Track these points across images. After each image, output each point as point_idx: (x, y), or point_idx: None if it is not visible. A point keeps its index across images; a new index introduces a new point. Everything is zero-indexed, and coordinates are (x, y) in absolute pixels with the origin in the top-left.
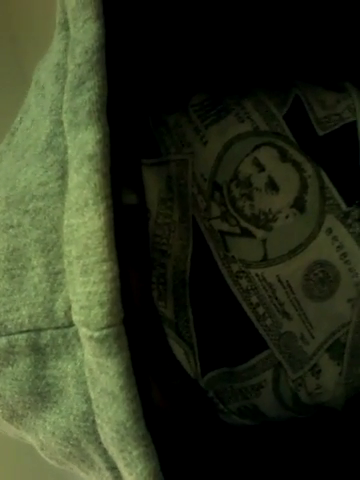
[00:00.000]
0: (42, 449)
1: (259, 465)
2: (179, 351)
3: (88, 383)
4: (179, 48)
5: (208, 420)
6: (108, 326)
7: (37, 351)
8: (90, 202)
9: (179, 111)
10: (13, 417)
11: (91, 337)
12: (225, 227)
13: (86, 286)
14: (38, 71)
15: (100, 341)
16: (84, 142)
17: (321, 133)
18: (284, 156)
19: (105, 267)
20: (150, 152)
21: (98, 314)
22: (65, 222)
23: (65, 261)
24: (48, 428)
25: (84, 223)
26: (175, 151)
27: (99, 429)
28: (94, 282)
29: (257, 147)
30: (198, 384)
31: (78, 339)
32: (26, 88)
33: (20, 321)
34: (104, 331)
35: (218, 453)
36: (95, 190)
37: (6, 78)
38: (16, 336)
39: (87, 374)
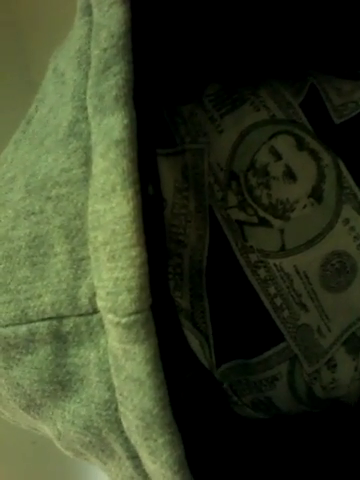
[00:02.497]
0: (59, 439)
1: (271, 458)
2: (194, 342)
3: (112, 370)
4: (193, 38)
5: (222, 412)
6: (136, 312)
7: (58, 339)
8: (118, 188)
9: (194, 101)
10: (30, 406)
11: (118, 323)
12: (242, 216)
13: (113, 272)
14: (55, 59)
15: (127, 327)
16: (110, 127)
17: (338, 121)
18: (301, 144)
19: (134, 252)
20: (165, 142)
21: (126, 300)
22: (90, 208)
23: (90, 247)
24: (67, 417)
25: (111, 208)
26: (190, 141)
27: (122, 417)
28: (122, 268)
29: (274, 135)
30: (212, 375)
31: (102, 326)
32: (32, 89)
33: (42, 308)
34: (132, 317)
35: (231, 444)
36: (123, 175)
37: (12, 79)
38: (37, 324)
39: (111, 361)
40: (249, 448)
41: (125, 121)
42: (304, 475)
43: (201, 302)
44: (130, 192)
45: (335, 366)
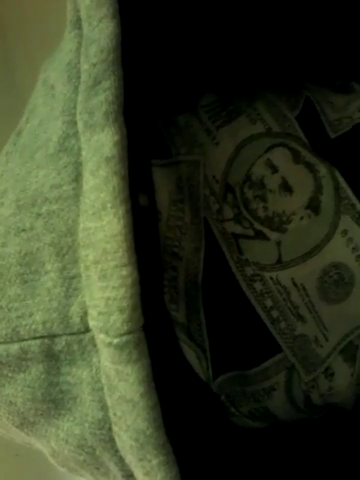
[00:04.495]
0: (53, 456)
1: (270, 467)
2: (191, 354)
3: (105, 390)
4: (188, 48)
5: (219, 423)
6: (128, 332)
7: (51, 357)
8: (108, 205)
9: (189, 111)
10: (24, 424)
11: (110, 344)
12: (238, 229)
13: (105, 291)
14: (46, 71)
15: (119, 348)
16: (100, 144)
17: (333, 135)
18: (297, 157)
19: (125, 272)
20: (160, 153)
21: (118, 320)
22: (81, 225)
23: (81, 265)
24: (61, 435)
25: (102, 227)
26: (186, 152)
27: (116, 437)
28: (113, 287)
29: (270, 148)
30: (209, 387)
31: (94, 345)
32: (19, 101)
33: (34, 327)
34: (124, 337)
35: (229, 456)
36: (114, 193)
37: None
38: (29, 342)
39: (104, 381)
40: (247, 459)
41: (115, 138)
42: None
43: (197, 315)
44: (121, 210)
45: (332, 374)
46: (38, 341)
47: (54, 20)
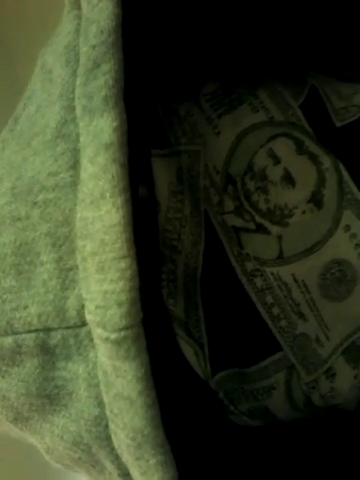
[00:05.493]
0: (48, 452)
1: (269, 466)
2: (189, 351)
3: (101, 386)
4: (190, 34)
5: (217, 421)
6: (126, 327)
7: (46, 351)
8: (107, 194)
9: (190, 99)
10: (18, 419)
11: (107, 339)
12: (239, 222)
13: (102, 284)
14: (44, 55)
15: (117, 343)
16: (99, 130)
17: (339, 124)
18: (300, 148)
19: (124, 264)
20: (160, 142)
21: (115, 314)
22: (78, 215)
23: (78, 257)
24: (56, 432)
25: (100, 217)
26: (186, 142)
27: (113, 435)
28: (111, 280)
29: (272, 138)
30: (208, 385)
31: (91, 340)
32: (18, 89)
33: (28, 320)
34: (122, 332)
35: (227, 454)
36: (113, 181)
37: None
38: (23, 336)
39: (100, 377)
40: (246, 457)
41: (115, 123)
42: None
43: (196, 310)
44: (120, 200)
45: (334, 375)
46: (33, 335)
47: (58, 9)
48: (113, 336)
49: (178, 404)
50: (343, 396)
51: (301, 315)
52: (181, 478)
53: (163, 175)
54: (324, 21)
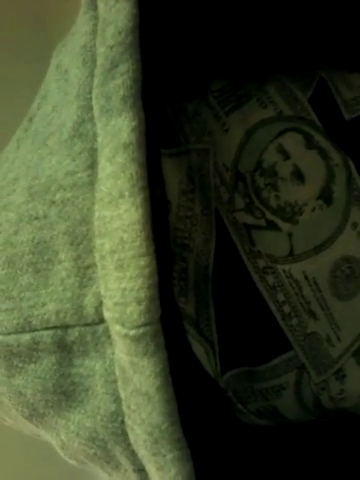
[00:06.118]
0: (62, 449)
1: (277, 466)
2: (199, 349)
3: (119, 383)
4: (198, 32)
5: (226, 420)
6: (145, 324)
7: (63, 348)
8: (126, 193)
9: (198, 98)
10: (33, 416)
11: (126, 335)
12: (250, 220)
13: (121, 282)
14: (59, 55)
15: (136, 340)
16: (118, 129)
17: (348, 117)
18: (310, 142)
19: (143, 262)
20: (169, 141)
21: (134, 311)
22: (96, 214)
23: (96, 255)
24: (71, 428)
25: (119, 215)
26: (195, 140)
27: (129, 430)
28: (130, 277)
29: (281, 133)
30: (217, 383)
31: (108, 336)
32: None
33: (46, 317)
34: (141, 329)
35: (236, 452)
36: (131, 181)
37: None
38: (41, 333)
39: (118, 373)
40: (255, 456)
41: (133, 123)
42: None
43: (207, 309)
44: (139, 198)
45: (344, 377)
46: (50, 332)
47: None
48: (132, 333)
49: (189, 402)
50: (353, 399)
51: (312, 313)
52: (196, 474)
53: (173, 174)
54: (331, 13)
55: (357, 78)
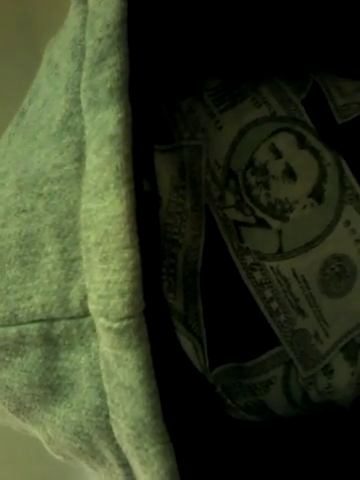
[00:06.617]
0: (49, 443)
1: (267, 461)
2: (187, 344)
3: (103, 376)
4: (194, 30)
5: (215, 415)
6: (128, 317)
7: (49, 342)
8: (111, 186)
9: (193, 95)
10: (20, 410)
11: (109, 328)
12: (240, 217)
13: (105, 274)
14: (50, 50)
15: (119, 332)
16: (104, 122)
17: (340, 121)
18: (302, 142)
19: (126, 254)
20: (162, 137)
21: (118, 304)
22: (83, 206)
23: (82, 248)
24: (57, 422)
25: (104, 208)
26: (188, 137)
27: (113, 424)
28: (114, 270)
29: (274, 133)
30: (205, 379)
31: (93, 330)
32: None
33: (32, 310)
34: (124, 322)
35: (225, 448)
36: (117, 173)
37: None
38: (27, 326)
39: (102, 367)
40: (244, 451)
41: (119, 115)
42: (300, 477)
43: (195, 305)
44: (123, 191)
45: (332, 372)
46: (36, 325)
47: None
48: (115, 325)
49: (176, 396)
50: (340, 393)
51: (300, 311)
52: (179, 469)
53: (165, 170)
54: (326, 17)
55: (349, 84)
